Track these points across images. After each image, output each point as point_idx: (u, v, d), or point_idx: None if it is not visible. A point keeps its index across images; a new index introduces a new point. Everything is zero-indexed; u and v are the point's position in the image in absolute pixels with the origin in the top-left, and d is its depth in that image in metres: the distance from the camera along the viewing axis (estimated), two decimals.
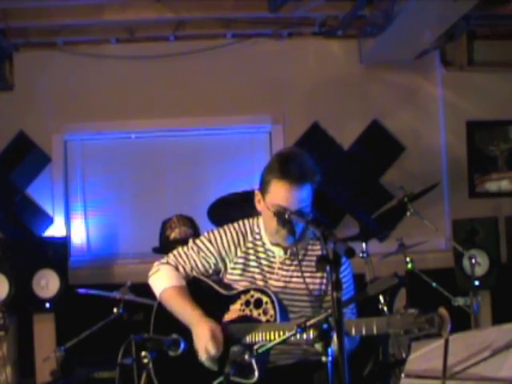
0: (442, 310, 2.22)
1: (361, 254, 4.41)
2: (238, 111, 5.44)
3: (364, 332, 2.38)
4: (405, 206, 4.49)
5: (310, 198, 2.64)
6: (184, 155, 5.49)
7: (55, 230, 5.31)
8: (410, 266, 4.36)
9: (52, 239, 5.06)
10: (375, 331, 2.37)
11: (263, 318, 2.59)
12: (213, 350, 2.53)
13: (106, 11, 4.85)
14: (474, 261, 4.38)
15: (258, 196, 2.72)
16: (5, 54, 5.31)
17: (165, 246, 4.05)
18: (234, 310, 2.66)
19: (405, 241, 4.47)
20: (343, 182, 5.44)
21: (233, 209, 4.08)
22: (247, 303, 2.65)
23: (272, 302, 2.59)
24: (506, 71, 5.55)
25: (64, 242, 5.03)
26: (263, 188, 2.67)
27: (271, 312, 2.59)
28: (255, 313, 2.62)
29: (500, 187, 5.58)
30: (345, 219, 5.46)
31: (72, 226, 5.41)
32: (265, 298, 2.61)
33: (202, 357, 2.58)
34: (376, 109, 5.50)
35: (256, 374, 2.49)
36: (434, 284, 4.29)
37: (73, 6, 4.80)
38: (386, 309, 4.04)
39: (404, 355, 4.12)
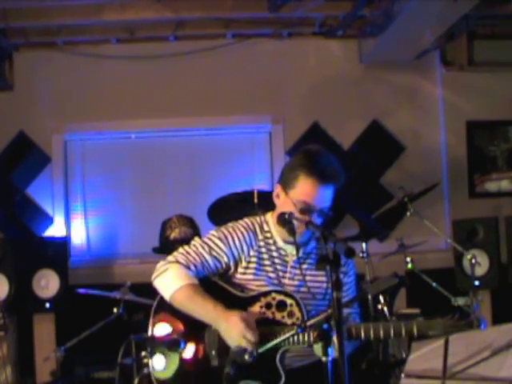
0: (479, 314, 2.25)
1: (361, 254, 4.41)
2: (238, 111, 5.44)
3: (404, 334, 2.39)
4: (405, 206, 4.49)
5: (331, 199, 2.59)
6: (184, 155, 5.49)
7: (55, 229, 5.31)
8: (409, 266, 4.35)
9: (52, 239, 5.07)
10: (415, 333, 2.39)
11: (288, 321, 2.55)
12: (252, 337, 2.43)
13: (106, 11, 4.85)
14: (474, 261, 4.37)
15: (277, 190, 2.66)
16: (5, 54, 5.31)
17: (165, 246, 4.05)
18: (253, 313, 2.57)
19: (405, 241, 4.47)
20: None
21: (233, 209, 4.08)
22: (268, 305, 2.58)
23: (298, 305, 2.55)
24: (506, 71, 5.54)
25: (64, 242, 5.04)
26: (287, 182, 2.60)
27: (298, 315, 2.54)
28: (278, 315, 2.56)
29: (500, 187, 5.58)
30: (345, 219, 5.46)
31: (72, 226, 5.41)
32: (289, 301, 2.56)
33: (243, 344, 2.45)
34: (376, 109, 5.50)
35: (283, 378, 2.47)
36: (434, 284, 4.28)
37: (73, 6, 4.80)
38: (386, 309, 4.04)
39: (404, 355, 4.12)
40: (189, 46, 5.35)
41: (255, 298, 2.60)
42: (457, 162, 5.54)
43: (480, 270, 4.69)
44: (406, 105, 5.54)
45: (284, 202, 2.62)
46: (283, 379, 2.47)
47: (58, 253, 4.86)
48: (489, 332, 2.18)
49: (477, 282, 4.49)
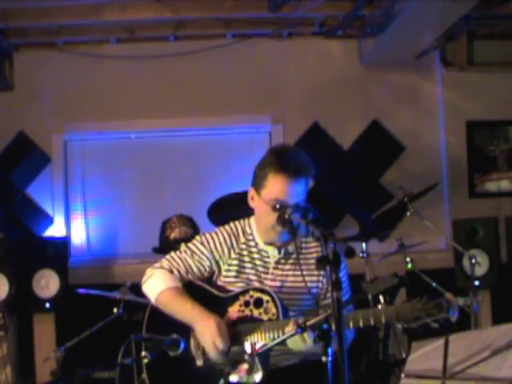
0: (450, 295, 2.24)
1: (361, 254, 4.42)
2: (238, 111, 5.43)
3: (372, 322, 2.39)
4: (405, 206, 4.49)
5: (305, 193, 2.63)
6: (184, 155, 5.49)
7: (55, 229, 5.31)
8: (409, 266, 4.36)
9: (52, 239, 5.06)
10: (384, 321, 2.38)
11: (265, 317, 2.58)
12: (221, 345, 2.50)
13: (106, 11, 4.85)
14: (474, 261, 4.38)
15: (251, 192, 2.72)
16: (5, 54, 5.31)
17: (165, 246, 4.05)
18: (233, 312, 2.63)
19: (405, 241, 4.47)
20: (343, 182, 5.44)
21: (233, 209, 4.07)
22: (246, 303, 2.62)
23: (273, 301, 2.58)
24: (506, 71, 5.54)
25: (64, 242, 5.03)
26: (258, 183, 2.66)
27: (273, 310, 2.57)
28: (256, 312, 2.60)
29: (500, 187, 5.58)
30: (345, 219, 5.46)
31: (72, 226, 5.41)
32: (265, 297, 2.60)
33: (211, 353, 2.54)
34: (376, 109, 5.50)
35: (260, 373, 2.48)
36: (434, 284, 4.29)
37: (73, 6, 4.80)
38: None
39: (404, 355, 4.12)
40: (189, 46, 5.35)
41: (235, 298, 2.66)
42: (457, 161, 5.54)
43: (480, 270, 4.69)
44: (406, 105, 5.53)
45: (258, 203, 2.68)
46: (261, 374, 2.47)
47: (58, 253, 4.86)
48: (489, 332, 2.18)
49: (477, 282, 4.49)
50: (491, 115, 5.56)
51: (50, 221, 5.35)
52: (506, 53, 5.55)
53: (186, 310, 2.62)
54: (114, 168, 5.48)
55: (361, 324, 2.40)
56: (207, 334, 2.53)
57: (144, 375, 2.70)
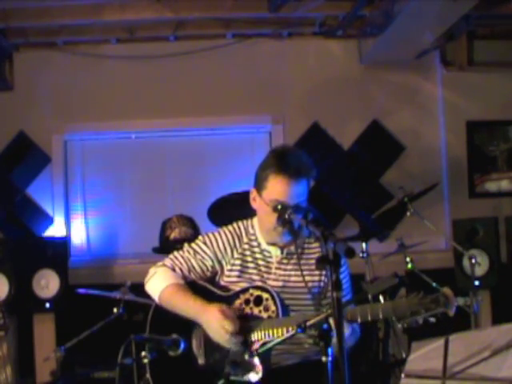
0: (447, 290, 2.25)
1: (361, 254, 4.41)
2: (238, 111, 5.43)
3: (370, 318, 2.39)
4: (405, 206, 4.49)
5: (306, 193, 2.66)
6: (184, 155, 5.49)
7: (55, 229, 5.31)
8: (409, 266, 4.36)
9: (52, 239, 5.06)
10: (381, 316, 2.38)
11: (264, 315, 2.60)
12: (230, 327, 2.51)
13: (106, 11, 4.85)
14: (474, 261, 4.38)
15: (253, 193, 2.74)
16: (5, 54, 5.31)
17: (165, 246, 4.05)
18: (233, 308, 2.64)
19: (405, 241, 4.47)
20: (343, 182, 5.44)
21: (233, 209, 4.08)
22: (247, 302, 2.65)
23: (273, 298, 2.60)
24: (506, 71, 5.54)
25: (64, 242, 5.03)
26: (259, 184, 2.68)
27: (272, 308, 2.59)
28: (256, 310, 2.62)
29: (500, 187, 5.58)
30: (345, 219, 5.46)
31: (72, 226, 5.41)
32: (265, 295, 2.62)
33: (223, 339, 2.55)
34: (376, 109, 5.50)
35: (260, 372, 2.48)
36: (434, 284, 4.28)
37: (73, 6, 4.79)
38: None
39: (404, 355, 4.12)
40: (189, 46, 5.35)
41: (235, 296, 2.69)
42: (457, 161, 5.54)
43: (480, 270, 4.69)
44: (406, 105, 5.53)
45: (260, 204, 2.70)
46: (260, 374, 2.48)
47: (58, 253, 4.86)
48: (489, 332, 2.18)
49: (477, 282, 4.50)
50: (491, 115, 5.56)
51: (50, 221, 5.35)
52: (506, 53, 5.55)
53: (188, 306, 2.65)
54: (114, 168, 5.48)
55: (359, 320, 2.42)
56: (213, 321, 2.55)
57: (148, 375, 2.71)
